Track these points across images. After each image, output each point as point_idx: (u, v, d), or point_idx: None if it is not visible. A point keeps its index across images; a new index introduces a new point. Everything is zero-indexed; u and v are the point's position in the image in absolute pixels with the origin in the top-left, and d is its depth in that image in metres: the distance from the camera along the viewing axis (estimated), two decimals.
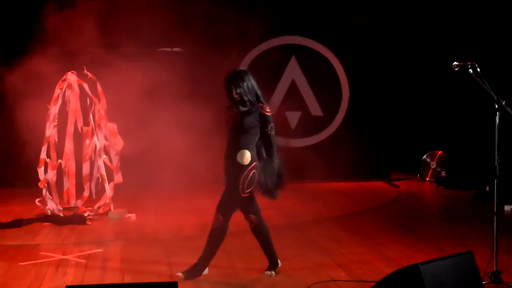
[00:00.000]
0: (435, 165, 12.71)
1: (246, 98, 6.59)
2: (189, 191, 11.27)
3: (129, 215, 9.44)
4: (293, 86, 12.73)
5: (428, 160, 12.82)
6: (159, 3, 11.29)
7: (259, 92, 6.68)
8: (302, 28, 12.64)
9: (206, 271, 6.67)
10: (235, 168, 6.56)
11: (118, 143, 9.56)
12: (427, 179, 12.73)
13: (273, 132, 6.73)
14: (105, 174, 9.48)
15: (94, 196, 9.74)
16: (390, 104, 12.90)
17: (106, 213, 9.47)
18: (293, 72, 12.72)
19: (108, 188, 9.47)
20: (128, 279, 6.57)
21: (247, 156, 6.54)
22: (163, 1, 11.30)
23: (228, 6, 11.99)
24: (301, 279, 6.53)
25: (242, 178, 6.51)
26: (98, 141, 9.50)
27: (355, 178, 12.69)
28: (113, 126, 9.57)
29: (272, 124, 6.70)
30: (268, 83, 12.56)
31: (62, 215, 9.28)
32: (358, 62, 12.71)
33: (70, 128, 9.65)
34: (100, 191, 9.68)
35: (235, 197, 6.55)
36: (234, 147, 6.59)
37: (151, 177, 11.57)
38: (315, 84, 12.72)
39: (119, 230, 8.75)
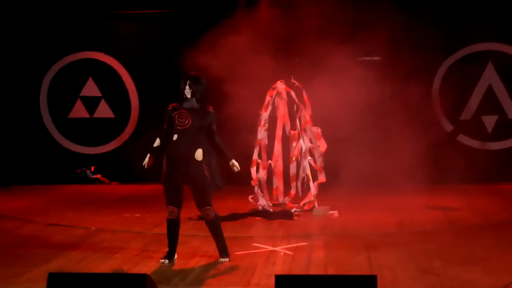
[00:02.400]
0: None
1: (200, 96, 6.85)
2: (390, 189, 11.15)
3: (332, 211, 9.49)
4: (489, 90, 12.22)
5: None
6: (361, 15, 11.27)
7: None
8: (499, 34, 12.08)
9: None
10: (190, 165, 6.76)
11: (322, 145, 9.65)
12: None
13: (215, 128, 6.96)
14: (310, 174, 9.61)
15: (300, 194, 9.90)
16: None
17: (311, 210, 9.59)
18: (489, 77, 12.21)
19: (313, 187, 9.59)
20: (330, 271, 6.61)
21: (201, 153, 6.79)
22: (365, 13, 11.26)
23: (425, 16, 11.74)
24: (499, 277, 6.23)
25: (207, 173, 6.79)
26: (303, 143, 9.65)
27: None
28: (317, 130, 9.67)
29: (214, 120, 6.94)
30: (464, 89, 12.18)
31: (271, 210, 9.52)
32: None
33: (278, 132, 9.87)
34: (306, 189, 9.81)
35: (208, 189, 6.84)
36: (192, 144, 6.77)
37: (353, 175, 11.50)
38: None
39: (323, 226, 8.83)
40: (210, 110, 6.93)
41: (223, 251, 7.03)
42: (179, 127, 6.84)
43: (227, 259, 6.99)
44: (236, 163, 7.11)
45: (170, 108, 6.97)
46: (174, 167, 6.83)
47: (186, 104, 6.89)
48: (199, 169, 6.81)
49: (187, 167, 6.80)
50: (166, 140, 6.97)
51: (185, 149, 6.80)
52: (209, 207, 6.89)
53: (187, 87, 6.85)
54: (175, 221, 6.98)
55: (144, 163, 7.05)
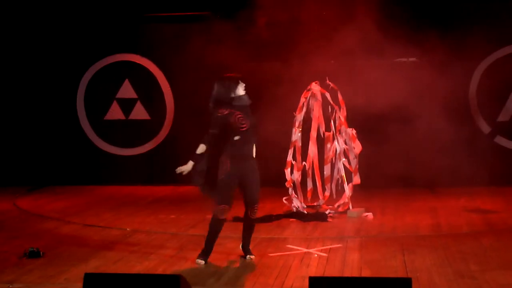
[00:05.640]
0: None
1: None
2: (426, 191, 11.05)
3: (366, 213, 9.45)
4: None
5: None
6: (395, 15, 11.20)
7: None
8: None
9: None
10: (250, 163, 6.96)
11: (357, 147, 9.61)
12: None
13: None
14: (344, 176, 9.58)
15: (334, 196, 9.87)
16: None
17: (345, 212, 9.56)
18: None
19: (347, 189, 9.56)
20: (365, 273, 6.58)
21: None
22: (398, 13, 11.20)
23: (463, 15, 11.62)
24: None
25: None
26: (338, 145, 9.63)
27: None
28: (352, 131, 9.64)
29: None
30: (502, 90, 11.99)
31: (306, 212, 9.52)
32: None
33: (313, 133, 9.86)
34: (340, 191, 9.78)
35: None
36: (251, 143, 6.93)
37: (386, 178, 11.45)
38: None
39: (357, 228, 8.79)
40: None
41: (250, 250, 7.24)
42: (241, 129, 6.84)
43: (254, 256, 7.20)
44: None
45: (226, 113, 6.81)
46: (237, 167, 6.87)
47: (237, 101, 6.87)
48: (256, 166, 7.02)
49: (248, 165, 6.93)
50: (212, 146, 6.84)
51: (247, 148, 6.93)
52: (257, 206, 7.10)
53: (240, 85, 6.91)
54: (223, 222, 7.04)
55: (181, 169, 6.85)
